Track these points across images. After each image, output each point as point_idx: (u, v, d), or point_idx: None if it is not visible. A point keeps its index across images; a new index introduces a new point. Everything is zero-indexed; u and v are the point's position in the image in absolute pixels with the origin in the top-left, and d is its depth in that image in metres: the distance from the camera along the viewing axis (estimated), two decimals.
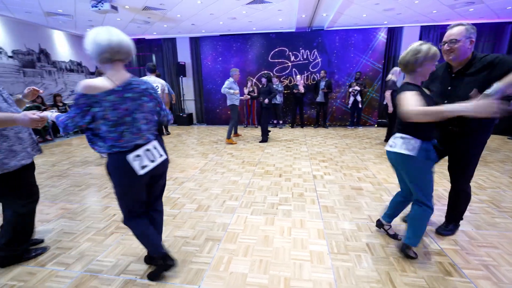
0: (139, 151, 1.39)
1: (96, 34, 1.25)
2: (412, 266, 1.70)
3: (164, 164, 1.56)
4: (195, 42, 8.12)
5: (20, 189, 1.71)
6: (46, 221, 2.36)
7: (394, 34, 7.29)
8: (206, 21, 6.48)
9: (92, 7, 4.83)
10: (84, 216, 2.44)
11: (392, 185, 3.06)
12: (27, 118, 1.43)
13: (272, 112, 7.36)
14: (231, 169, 3.76)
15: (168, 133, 6.86)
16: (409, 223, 1.74)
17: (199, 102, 8.62)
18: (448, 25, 2.08)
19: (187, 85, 8.50)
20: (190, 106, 8.77)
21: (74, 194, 2.95)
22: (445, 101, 1.74)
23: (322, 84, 6.85)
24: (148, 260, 1.76)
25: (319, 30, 7.32)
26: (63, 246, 1.99)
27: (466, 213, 2.21)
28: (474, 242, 1.96)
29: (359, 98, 6.73)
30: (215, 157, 4.43)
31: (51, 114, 1.51)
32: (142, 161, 1.39)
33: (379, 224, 2.07)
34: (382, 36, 6.96)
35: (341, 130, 6.90)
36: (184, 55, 8.30)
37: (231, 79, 5.42)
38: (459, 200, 1.97)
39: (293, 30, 7.50)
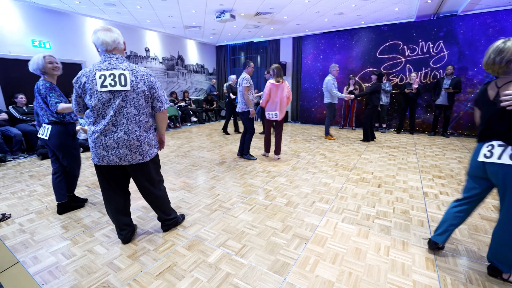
0: None
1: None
2: None
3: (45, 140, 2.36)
4: (298, 42, 8.25)
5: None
6: (172, 190, 3.04)
7: None
8: (311, 19, 6.45)
9: (217, 17, 5.75)
10: (197, 191, 2.99)
11: None
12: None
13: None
14: (323, 170, 3.67)
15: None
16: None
17: (295, 100, 8.77)
18: None
19: None
20: None
21: (191, 172, 3.66)
22: None
23: (447, 82, 5.55)
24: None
25: (449, 17, 5.93)
26: (182, 211, 2.51)
27: None
28: None
29: None
30: (307, 156, 4.42)
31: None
32: None
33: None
34: None
35: (469, 142, 5.43)
36: (286, 55, 8.60)
37: (331, 76, 5.36)
38: None
39: (412, 20, 6.40)
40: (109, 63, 1.63)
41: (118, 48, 1.69)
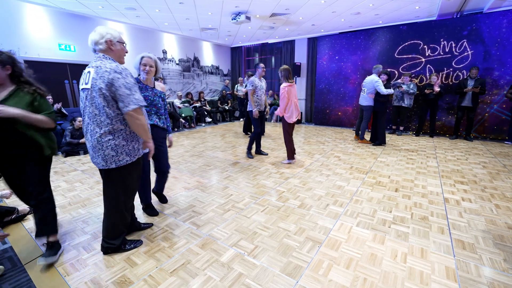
0: None
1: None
2: None
3: None
4: (313, 42, 8.17)
5: (136, 179, 1.86)
6: (187, 189, 3.09)
7: None
8: (327, 19, 6.37)
9: (232, 19, 5.81)
10: (211, 191, 3.03)
11: None
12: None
13: (393, 116, 6.42)
14: (337, 172, 3.60)
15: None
16: None
17: (309, 102, 8.68)
18: None
19: (300, 84, 8.71)
20: (300, 105, 8.99)
21: (205, 171, 3.71)
22: None
23: (471, 83, 5.29)
24: None
25: (474, 14, 5.66)
26: (196, 210, 2.55)
27: None
28: None
29: None
30: (321, 158, 4.36)
31: None
32: None
33: None
34: None
35: (494, 146, 5.14)
36: (300, 56, 8.54)
37: (376, 76, 5.01)
38: None
39: (434, 19, 6.16)
40: (91, 62, 1.63)
41: (98, 48, 1.64)
